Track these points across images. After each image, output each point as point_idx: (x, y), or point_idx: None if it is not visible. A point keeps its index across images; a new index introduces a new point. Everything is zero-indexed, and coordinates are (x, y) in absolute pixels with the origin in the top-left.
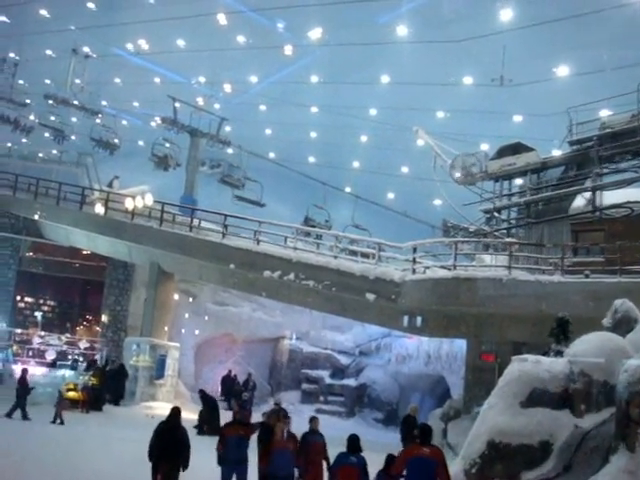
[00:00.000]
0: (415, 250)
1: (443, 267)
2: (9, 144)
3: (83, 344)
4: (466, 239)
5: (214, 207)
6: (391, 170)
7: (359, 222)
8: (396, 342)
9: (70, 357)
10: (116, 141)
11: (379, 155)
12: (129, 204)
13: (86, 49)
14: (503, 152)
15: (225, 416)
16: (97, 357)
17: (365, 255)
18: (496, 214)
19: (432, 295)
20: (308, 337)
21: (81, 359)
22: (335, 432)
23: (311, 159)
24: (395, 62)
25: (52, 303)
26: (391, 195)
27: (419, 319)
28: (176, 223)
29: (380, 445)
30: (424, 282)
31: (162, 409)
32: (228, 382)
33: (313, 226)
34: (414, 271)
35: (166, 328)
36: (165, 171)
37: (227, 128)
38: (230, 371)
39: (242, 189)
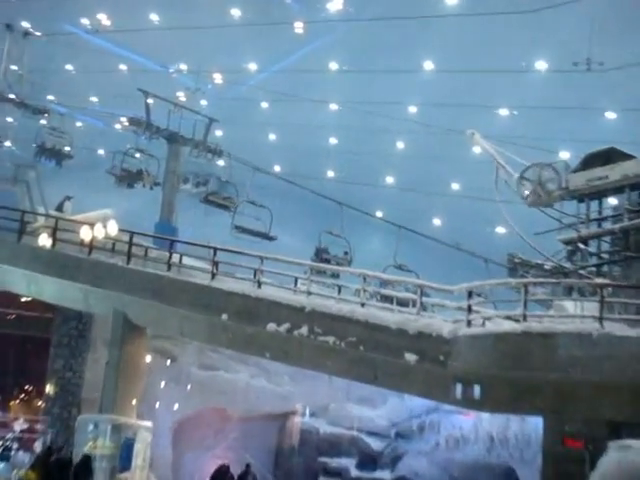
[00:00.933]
0: (471, 295)
1: (509, 318)
2: None
3: (19, 425)
4: (540, 280)
5: (201, 238)
6: (437, 187)
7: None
8: (446, 420)
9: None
10: (67, 149)
11: (420, 168)
12: (86, 234)
13: (26, 24)
14: (591, 162)
15: None
16: (38, 443)
17: (403, 302)
18: (582, 246)
19: (494, 356)
20: (327, 413)
21: (16, 446)
22: None
23: (330, 173)
24: (442, 43)
25: None
26: (437, 221)
27: (477, 389)
28: (149, 259)
29: None
30: (483, 338)
31: None
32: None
33: (327, 260)
34: (469, 323)
35: (134, 401)
36: (132, 188)
37: (217, 132)
38: (224, 465)
39: (237, 213)
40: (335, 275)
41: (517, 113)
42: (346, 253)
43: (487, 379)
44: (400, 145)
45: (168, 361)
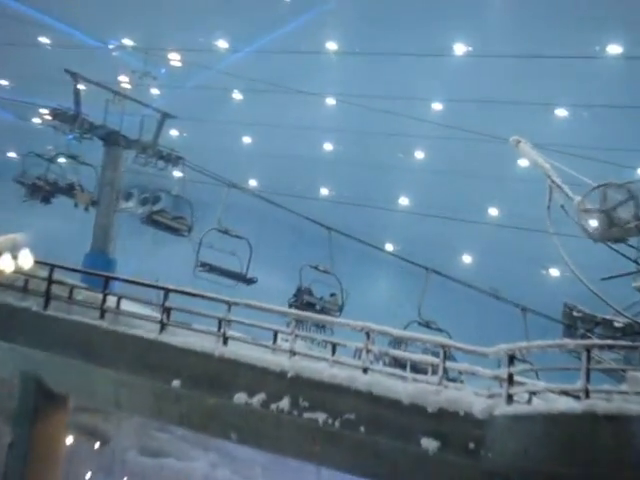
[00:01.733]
0: (512, 360)
1: (565, 393)
2: None
3: None
4: (609, 342)
5: (147, 275)
6: (468, 213)
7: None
8: None
9: None
10: None
11: (446, 186)
12: None
13: None
14: None
15: None
16: None
17: (420, 368)
18: None
19: (545, 445)
20: None
21: None
22: None
23: (323, 191)
24: (480, 18)
25: None
26: (467, 258)
27: None
28: (76, 303)
29: None
30: (529, 420)
31: None
32: None
33: (312, 305)
34: (510, 399)
35: None
36: (48, 203)
37: (172, 132)
38: None
39: (203, 245)
40: (321, 327)
41: (579, 114)
42: (333, 295)
43: (535, 477)
44: (419, 155)
45: (97, 444)
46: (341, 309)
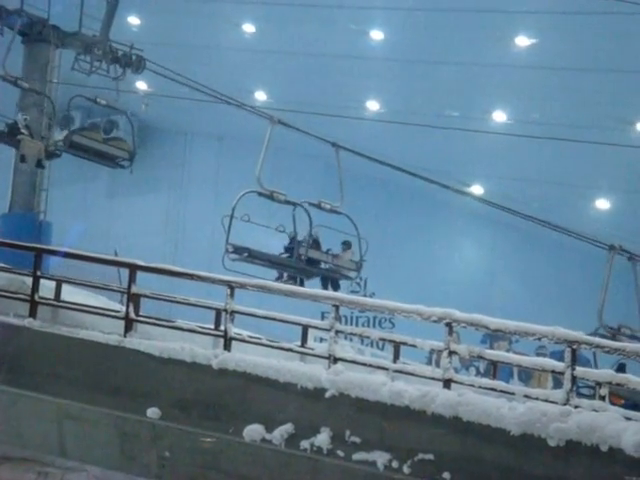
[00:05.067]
0: None
1: None
2: None
3: None
4: None
5: (102, 246)
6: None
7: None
8: None
9: None
10: None
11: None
12: None
13: None
14: None
15: None
16: None
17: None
18: None
19: None
20: None
21: None
22: None
23: (372, 105)
24: None
25: None
26: (603, 204)
27: None
28: None
29: None
30: None
31: None
32: None
33: (313, 262)
34: None
35: None
36: None
37: (133, 20)
38: None
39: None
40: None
41: None
42: (346, 244)
43: None
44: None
45: None
46: (359, 268)
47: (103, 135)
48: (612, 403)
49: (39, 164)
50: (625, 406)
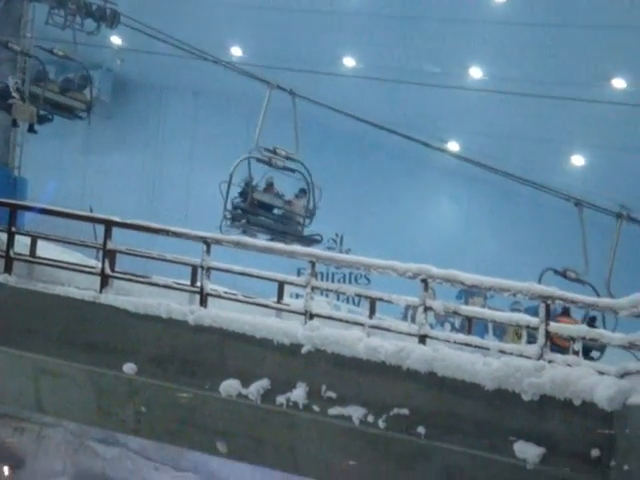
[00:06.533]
0: None
1: None
2: None
3: None
4: None
5: (78, 202)
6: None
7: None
8: None
9: None
10: None
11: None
12: None
13: None
14: None
15: None
16: None
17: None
18: None
19: None
20: None
21: None
22: None
23: (348, 62)
24: None
25: None
26: (578, 160)
27: None
28: None
29: None
30: None
31: None
32: None
33: (267, 207)
34: None
35: None
36: None
37: None
38: None
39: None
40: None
41: None
42: (302, 192)
43: None
44: None
45: (5, 468)
46: (311, 215)
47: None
48: (557, 346)
49: (31, 129)
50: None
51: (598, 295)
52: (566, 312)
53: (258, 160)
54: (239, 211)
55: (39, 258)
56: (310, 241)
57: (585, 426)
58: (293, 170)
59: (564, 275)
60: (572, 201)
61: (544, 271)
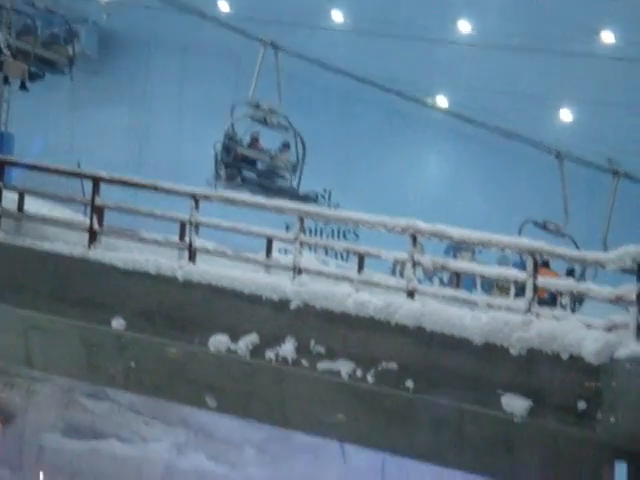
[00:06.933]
0: None
1: None
2: None
3: None
4: None
5: (66, 157)
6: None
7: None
8: None
9: None
10: None
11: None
12: None
13: None
14: None
15: None
16: None
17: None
18: None
19: None
20: None
21: None
22: None
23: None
24: None
25: None
26: (566, 115)
27: None
28: None
29: None
30: None
31: None
32: None
33: (250, 161)
34: None
35: None
36: None
37: None
38: None
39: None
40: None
41: None
42: (285, 146)
43: None
44: None
45: None
46: (295, 169)
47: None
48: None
49: (23, 86)
50: (546, 301)
51: (577, 247)
52: (546, 264)
53: (252, 119)
54: (228, 169)
55: (27, 214)
56: (306, 199)
57: (572, 379)
58: (287, 128)
59: (544, 227)
60: (553, 154)
61: (524, 223)
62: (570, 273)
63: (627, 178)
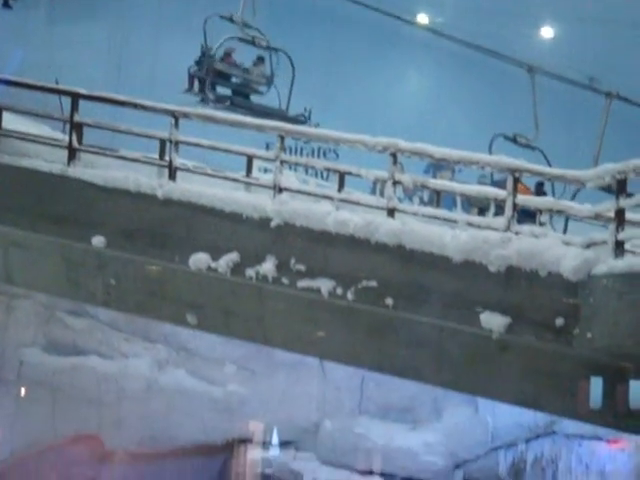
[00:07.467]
0: (623, 187)
1: None
2: None
3: None
4: None
5: (45, 73)
6: None
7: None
8: (570, 454)
9: None
10: None
11: None
12: None
13: None
14: None
15: None
16: None
17: (475, 207)
18: None
19: None
20: (317, 440)
21: None
22: None
23: None
24: None
25: None
26: (548, 32)
27: (638, 389)
28: None
29: None
30: None
31: None
32: None
33: (226, 76)
34: (620, 248)
35: None
36: None
37: None
38: None
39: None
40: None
41: None
42: (260, 60)
43: None
44: None
45: None
46: (270, 82)
47: None
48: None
49: (6, 4)
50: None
51: (547, 160)
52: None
53: (240, 40)
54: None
55: (5, 131)
56: (295, 121)
57: (550, 296)
58: (277, 50)
59: (514, 140)
60: (524, 68)
61: (494, 137)
62: (540, 186)
63: (618, 99)
